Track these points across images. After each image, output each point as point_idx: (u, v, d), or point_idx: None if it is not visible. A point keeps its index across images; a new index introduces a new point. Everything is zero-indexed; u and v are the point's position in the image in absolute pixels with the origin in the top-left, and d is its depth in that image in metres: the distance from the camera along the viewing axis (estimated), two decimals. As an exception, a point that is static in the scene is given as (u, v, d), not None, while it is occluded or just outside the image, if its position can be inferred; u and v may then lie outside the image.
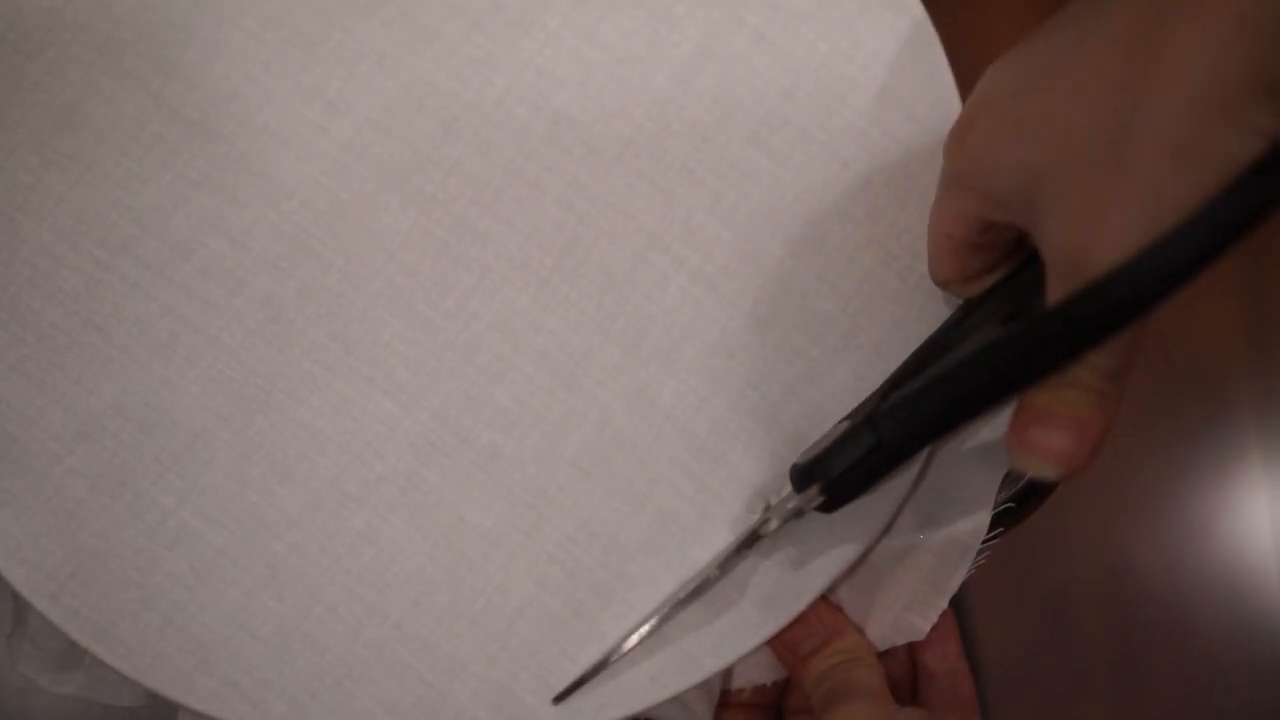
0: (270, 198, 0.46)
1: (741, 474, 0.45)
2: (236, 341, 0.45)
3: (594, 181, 0.46)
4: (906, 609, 0.45)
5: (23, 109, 0.46)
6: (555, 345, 0.45)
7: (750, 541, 0.43)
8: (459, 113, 0.47)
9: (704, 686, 0.45)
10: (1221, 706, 1.04)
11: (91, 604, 0.43)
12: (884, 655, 0.45)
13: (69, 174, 0.46)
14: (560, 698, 0.43)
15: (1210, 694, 1.04)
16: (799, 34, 0.47)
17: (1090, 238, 0.34)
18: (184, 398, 0.45)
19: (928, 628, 0.45)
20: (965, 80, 0.47)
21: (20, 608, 0.46)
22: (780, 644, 0.44)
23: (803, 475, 0.42)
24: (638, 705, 0.44)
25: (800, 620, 0.44)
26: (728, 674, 0.46)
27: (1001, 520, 0.46)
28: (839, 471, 0.41)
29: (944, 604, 0.45)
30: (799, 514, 0.42)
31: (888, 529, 0.45)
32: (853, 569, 0.45)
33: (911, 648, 0.46)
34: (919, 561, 0.45)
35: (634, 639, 0.43)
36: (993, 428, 0.45)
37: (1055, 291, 0.36)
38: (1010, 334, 0.37)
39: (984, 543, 0.45)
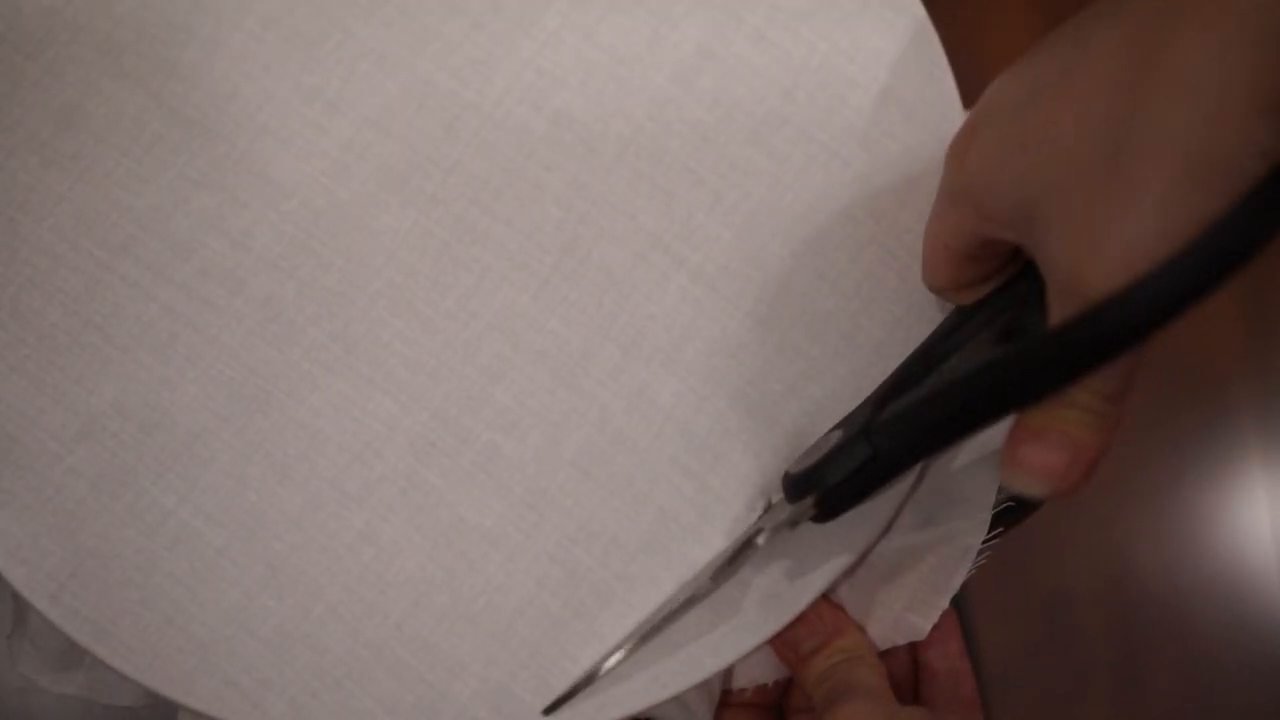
0: (270, 198, 0.46)
1: (742, 473, 0.45)
2: (236, 341, 0.45)
3: (594, 181, 0.46)
4: (907, 609, 0.45)
5: (23, 109, 0.46)
6: (555, 345, 0.45)
7: (743, 552, 0.43)
8: (459, 113, 0.47)
9: (704, 686, 0.45)
10: (1222, 706, 1.04)
11: (91, 604, 0.43)
12: (885, 654, 0.45)
13: (69, 174, 0.46)
14: (550, 709, 0.43)
15: (1210, 694, 1.04)
16: (799, 34, 0.47)
17: (1091, 258, 0.34)
18: (184, 398, 0.45)
19: (928, 627, 0.45)
20: (965, 80, 0.47)
21: (20, 608, 0.46)
22: (781, 643, 0.44)
23: (797, 486, 0.42)
24: (638, 705, 0.43)
25: (801, 619, 0.44)
26: (728, 673, 0.46)
27: (1002, 520, 0.46)
28: (833, 483, 0.41)
29: (945, 604, 0.45)
30: (793, 525, 0.42)
31: (888, 529, 0.45)
32: (853, 569, 0.45)
33: (913, 647, 0.46)
34: (919, 561, 0.45)
35: (625, 650, 0.43)
36: (995, 430, 0.45)
37: (1056, 311, 0.36)
38: (1009, 354, 0.37)
39: (984, 543, 0.45)
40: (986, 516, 0.45)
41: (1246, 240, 0.32)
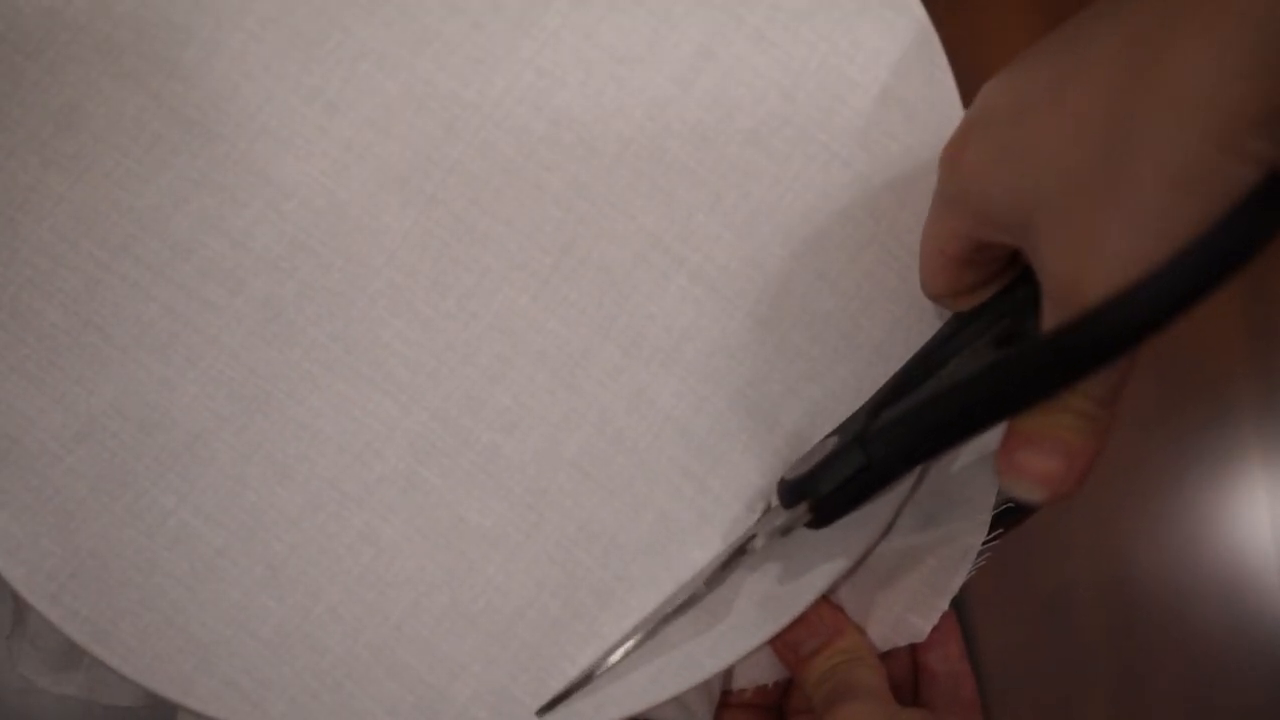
0: (270, 198, 0.46)
1: (742, 474, 0.45)
2: (236, 341, 0.45)
3: (594, 181, 0.46)
4: (907, 610, 0.45)
5: (23, 109, 0.46)
6: (555, 345, 0.45)
7: (737, 558, 0.43)
8: (459, 113, 0.47)
9: (704, 687, 0.45)
10: (1222, 706, 1.04)
11: (91, 604, 0.43)
12: (885, 656, 0.45)
13: (69, 174, 0.46)
14: (544, 710, 0.43)
15: (1211, 694, 1.04)
16: (799, 34, 0.47)
17: (1086, 265, 0.34)
18: (184, 398, 0.45)
19: (928, 629, 0.45)
20: (965, 80, 0.47)
21: (20, 608, 0.46)
22: (781, 644, 0.44)
23: (791, 492, 0.42)
24: (637, 706, 0.43)
25: (802, 620, 0.44)
26: (728, 674, 0.46)
27: (1002, 521, 0.45)
28: (828, 490, 0.41)
29: (945, 605, 0.45)
30: (786, 531, 0.42)
31: (888, 530, 0.45)
32: (852, 570, 0.45)
33: (913, 649, 0.46)
34: (919, 562, 0.45)
35: (619, 654, 0.43)
36: (996, 431, 0.45)
37: (1051, 317, 0.36)
38: (1004, 359, 0.37)
39: (984, 544, 0.45)
40: (986, 517, 0.45)
41: (1241, 245, 0.32)
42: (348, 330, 0.45)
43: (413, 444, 0.45)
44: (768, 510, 0.44)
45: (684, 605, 0.43)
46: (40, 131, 0.46)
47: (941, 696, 0.45)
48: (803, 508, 0.41)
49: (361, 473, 0.45)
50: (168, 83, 0.46)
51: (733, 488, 0.45)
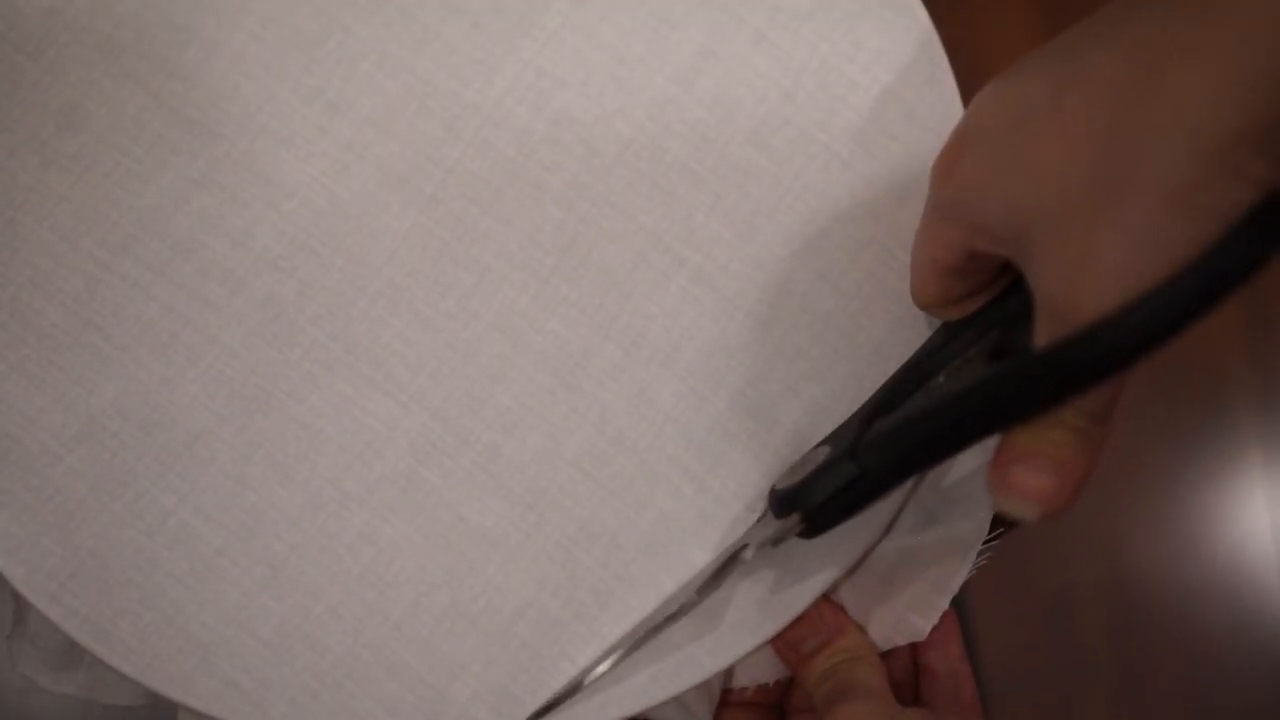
0: (270, 198, 0.46)
1: (742, 474, 0.45)
2: (237, 341, 0.45)
3: (594, 181, 0.46)
4: (908, 609, 0.45)
5: (23, 109, 0.46)
6: (555, 345, 0.45)
7: (728, 567, 0.43)
8: (459, 113, 0.47)
9: (704, 687, 0.45)
10: (1222, 706, 1.04)
11: (91, 604, 0.43)
12: (886, 655, 0.45)
13: (69, 174, 0.46)
14: (534, 718, 0.43)
15: (1210, 694, 1.04)
16: (800, 34, 0.47)
17: (1081, 283, 0.34)
18: (184, 397, 0.45)
19: (929, 628, 0.45)
20: (965, 80, 0.47)
21: (20, 607, 0.46)
22: (782, 642, 0.44)
23: (782, 502, 0.42)
24: (637, 705, 0.43)
25: (803, 619, 0.44)
26: (729, 673, 0.46)
27: (1002, 520, 0.45)
28: (820, 500, 0.40)
29: (945, 604, 0.45)
30: (778, 541, 0.42)
31: (888, 529, 0.45)
32: (853, 570, 0.45)
33: (914, 648, 0.46)
34: (920, 562, 0.45)
35: (606, 664, 0.43)
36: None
37: (1044, 333, 0.35)
38: (997, 373, 0.36)
39: (985, 543, 0.45)
40: (987, 517, 0.45)
41: (1239, 266, 0.32)
42: (348, 330, 0.45)
43: (413, 444, 0.45)
44: (759, 519, 0.44)
45: (676, 614, 0.43)
46: (41, 131, 0.46)
47: (942, 696, 0.45)
48: (794, 518, 0.41)
49: (362, 472, 0.45)
50: (168, 83, 0.46)
51: (733, 487, 0.45)
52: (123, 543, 0.44)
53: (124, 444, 0.44)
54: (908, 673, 0.46)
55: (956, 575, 0.45)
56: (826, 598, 0.45)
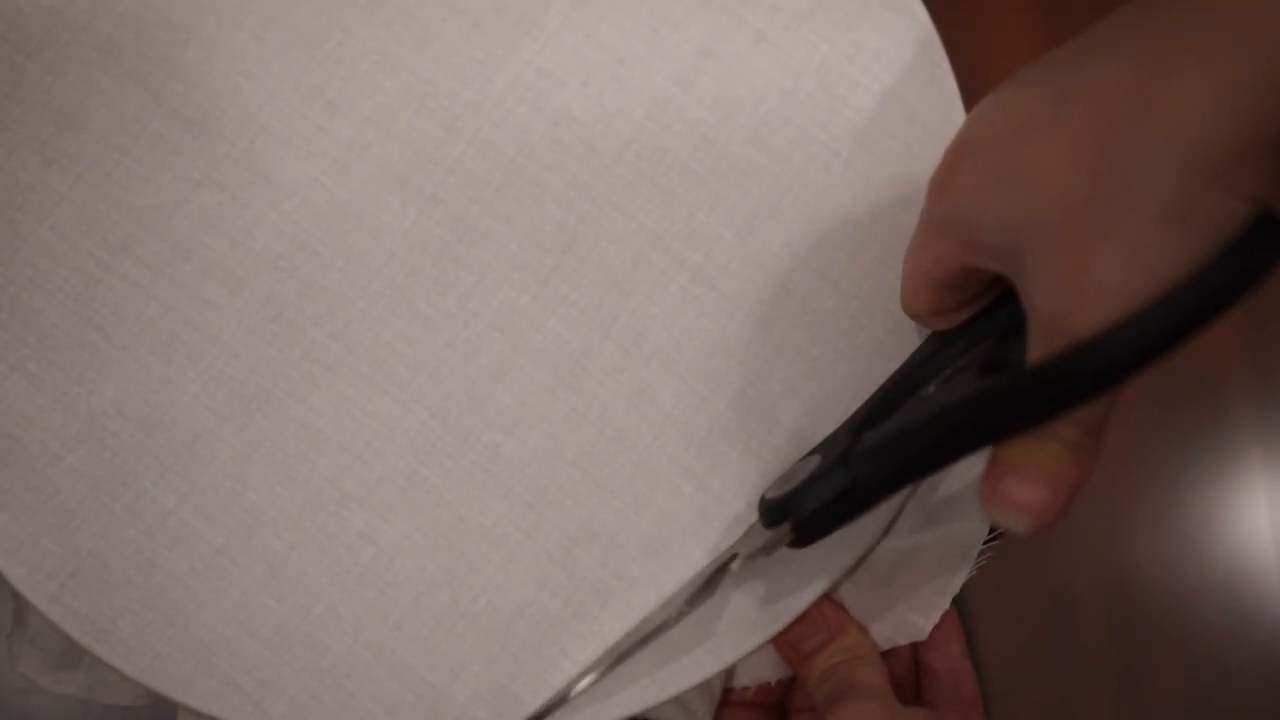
0: (271, 197, 0.46)
1: (742, 473, 0.45)
2: (237, 341, 0.45)
3: (595, 181, 0.46)
4: (909, 609, 0.45)
5: (23, 108, 0.46)
6: (555, 345, 0.45)
7: (717, 577, 0.42)
8: (459, 112, 0.47)
9: (704, 686, 0.45)
10: (1222, 706, 1.04)
11: (91, 603, 0.43)
12: (887, 655, 0.45)
13: (69, 173, 0.46)
14: None
15: (1210, 694, 1.04)
16: (800, 34, 0.47)
17: (1075, 298, 0.34)
18: (184, 397, 0.45)
19: (930, 628, 0.45)
20: (965, 80, 0.47)
21: (20, 607, 0.46)
22: (784, 642, 0.44)
23: (773, 511, 0.42)
24: (637, 705, 0.43)
25: (804, 618, 0.44)
26: (729, 672, 0.46)
27: (1002, 521, 0.45)
28: (811, 509, 0.40)
29: (946, 604, 0.45)
30: (769, 551, 0.42)
31: (889, 529, 0.45)
32: (852, 570, 0.45)
33: (915, 647, 0.46)
34: (921, 562, 0.45)
35: (596, 674, 0.43)
36: None
37: (1037, 347, 0.35)
38: (991, 387, 0.36)
39: (985, 543, 0.45)
40: (987, 517, 0.45)
41: (1232, 283, 0.32)
42: (348, 329, 0.45)
43: (413, 443, 0.45)
44: (749, 529, 0.44)
45: (664, 625, 0.43)
46: (41, 131, 0.46)
47: (943, 695, 0.45)
48: (785, 527, 0.41)
49: (362, 472, 0.45)
50: (168, 82, 0.46)
51: (733, 486, 0.45)
52: (123, 542, 0.44)
53: (124, 444, 0.44)
54: (909, 672, 0.46)
55: (957, 575, 0.45)
56: (828, 597, 0.45)
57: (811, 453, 0.43)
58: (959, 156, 0.38)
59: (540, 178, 0.46)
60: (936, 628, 0.45)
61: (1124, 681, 1.04)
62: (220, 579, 0.44)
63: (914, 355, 0.44)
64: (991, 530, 0.45)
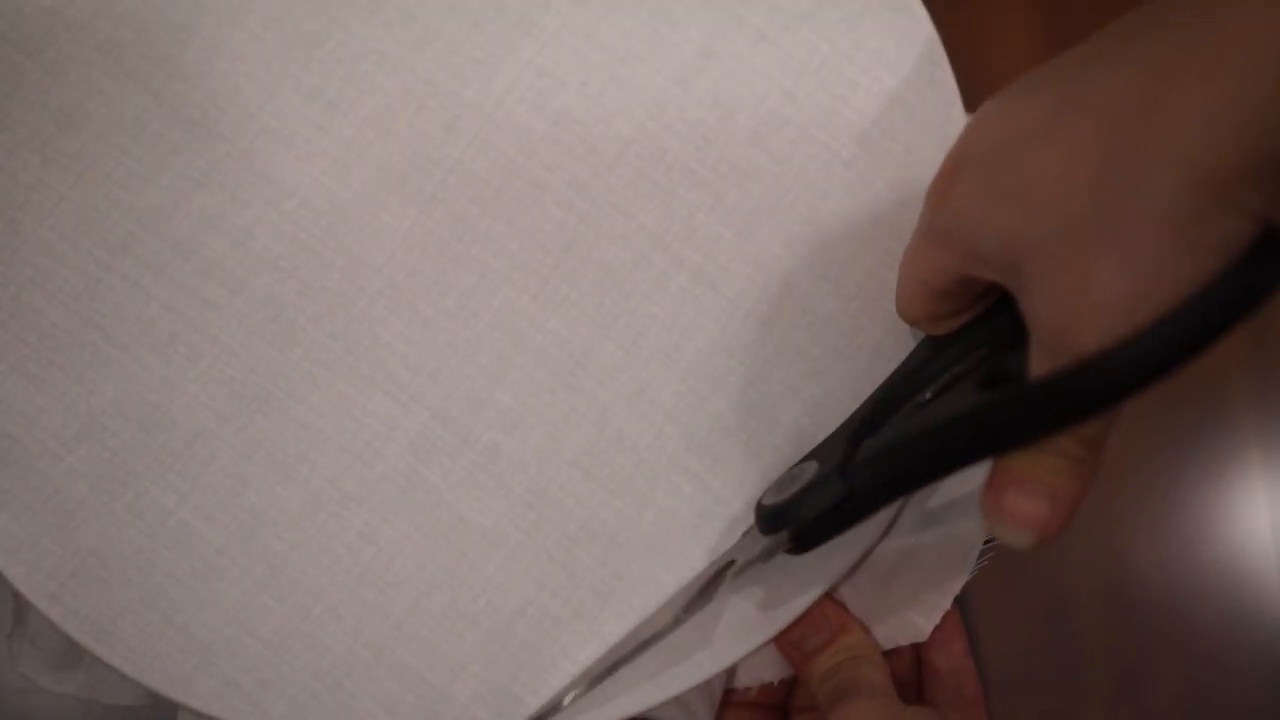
0: (271, 197, 0.46)
1: (742, 473, 0.45)
2: (237, 341, 0.45)
3: (595, 181, 0.46)
4: (910, 609, 0.45)
5: (23, 108, 0.46)
6: (556, 345, 0.45)
7: (714, 584, 0.42)
8: (460, 112, 0.47)
9: (705, 686, 0.45)
10: (1222, 707, 1.04)
11: (92, 603, 0.43)
12: (889, 654, 0.45)
13: (69, 173, 0.46)
14: None
15: (1210, 694, 1.04)
16: (800, 34, 0.47)
17: (1077, 313, 0.33)
18: (184, 397, 0.45)
19: (931, 627, 0.45)
20: (965, 80, 0.47)
21: (20, 607, 0.46)
22: (786, 641, 0.44)
23: (771, 519, 0.42)
24: (638, 705, 0.43)
25: (806, 617, 0.44)
26: (730, 672, 0.46)
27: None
28: (809, 517, 0.40)
29: (947, 604, 0.45)
30: (767, 558, 0.42)
31: (889, 530, 0.45)
32: (853, 570, 0.45)
33: (917, 646, 0.46)
34: (921, 562, 0.45)
35: (588, 683, 0.43)
36: None
37: (1040, 362, 0.35)
38: (994, 401, 0.36)
39: (987, 543, 0.45)
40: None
41: (1238, 301, 0.32)
42: (348, 329, 0.45)
43: (413, 443, 0.45)
44: (745, 534, 0.44)
45: (661, 632, 0.42)
46: (41, 131, 0.46)
47: (945, 694, 0.45)
48: (783, 534, 0.41)
49: (362, 472, 0.45)
50: (168, 82, 0.46)
51: (733, 486, 0.45)
52: (123, 542, 0.44)
53: (124, 443, 0.44)
54: (911, 671, 0.46)
55: (958, 574, 0.45)
56: (829, 596, 0.45)
57: (807, 458, 0.43)
58: (957, 166, 0.38)
59: (540, 178, 0.46)
60: (938, 627, 0.45)
61: (1124, 683, 1.04)
62: (220, 579, 0.44)
63: (909, 360, 0.44)
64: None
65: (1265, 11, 0.31)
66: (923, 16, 0.47)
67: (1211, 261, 0.32)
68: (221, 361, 0.45)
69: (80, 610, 0.43)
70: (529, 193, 0.46)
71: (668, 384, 0.45)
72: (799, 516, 0.40)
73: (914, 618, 0.45)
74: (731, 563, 0.42)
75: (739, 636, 0.44)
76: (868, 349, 0.45)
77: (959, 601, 0.45)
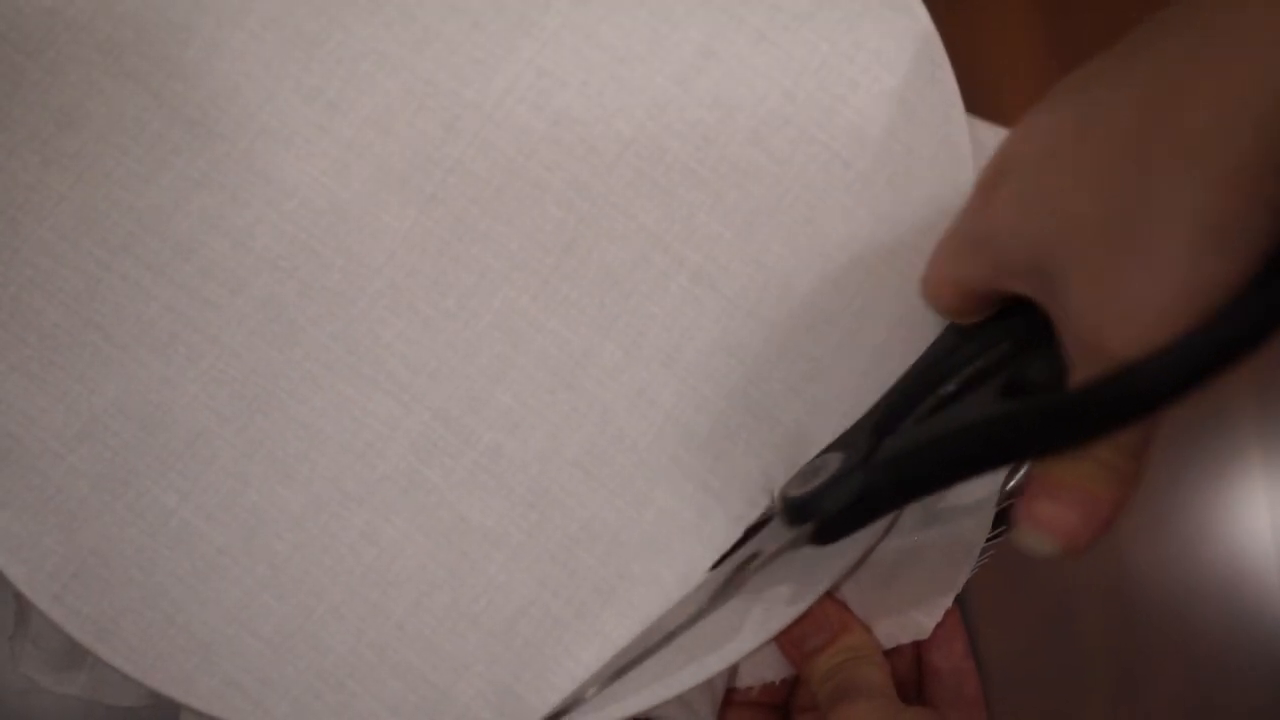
0: (271, 197, 0.46)
1: (743, 473, 0.45)
2: (237, 341, 0.45)
3: (595, 181, 0.46)
4: (911, 607, 0.45)
5: (23, 108, 0.46)
6: (556, 345, 0.45)
7: (739, 575, 0.42)
8: (460, 112, 0.47)
9: (707, 686, 0.45)
10: (1222, 707, 1.04)
11: (93, 604, 0.43)
12: (890, 653, 0.45)
13: (70, 173, 0.46)
14: None
15: (1211, 694, 1.04)
16: (800, 34, 0.47)
17: (1110, 319, 0.33)
18: (185, 397, 0.45)
19: (932, 626, 0.45)
20: (965, 80, 0.47)
21: (22, 608, 0.46)
22: (787, 640, 0.44)
23: (796, 511, 0.41)
24: (639, 705, 0.43)
25: (807, 616, 0.44)
26: (732, 672, 0.46)
27: (1004, 518, 0.46)
28: (834, 511, 0.40)
29: (949, 602, 0.45)
30: (792, 548, 0.42)
31: (891, 527, 0.45)
32: (855, 568, 0.45)
33: (917, 646, 0.46)
34: (923, 560, 0.45)
35: (604, 682, 0.43)
36: None
37: (1080, 369, 0.35)
38: (1028, 407, 0.36)
39: (987, 541, 0.45)
40: (989, 514, 0.45)
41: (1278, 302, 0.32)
42: (349, 330, 0.45)
43: (414, 443, 0.45)
44: (766, 524, 0.43)
45: (685, 624, 0.42)
46: (41, 131, 0.46)
47: (946, 694, 0.45)
48: (807, 526, 0.41)
49: (363, 472, 0.45)
50: (169, 82, 0.46)
51: (734, 486, 0.45)
52: (124, 542, 0.44)
53: (125, 443, 0.44)
54: (911, 671, 0.46)
55: (960, 573, 0.45)
56: (830, 595, 0.45)
57: (831, 447, 0.43)
58: (999, 174, 0.38)
59: (540, 178, 0.46)
60: (939, 626, 0.45)
61: (1124, 683, 1.04)
62: (222, 579, 0.44)
63: (932, 348, 0.44)
64: (993, 527, 0.45)
65: (1277, 6, 0.31)
66: (922, 16, 0.47)
67: (1244, 261, 0.32)
68: (222, 361, 0.45)
69: (82, 610, 0.43)
70: (529, 193, 0.46)
71: (668, 384, 0.45)
72: (824, 509, 0.40)
73: (916, 615, 0.45)
74: (755, 555, 0.42)
75: (741, 635, 0.44)
76: (869, 349, 0.45)
77: (959, 601, 0.46)
